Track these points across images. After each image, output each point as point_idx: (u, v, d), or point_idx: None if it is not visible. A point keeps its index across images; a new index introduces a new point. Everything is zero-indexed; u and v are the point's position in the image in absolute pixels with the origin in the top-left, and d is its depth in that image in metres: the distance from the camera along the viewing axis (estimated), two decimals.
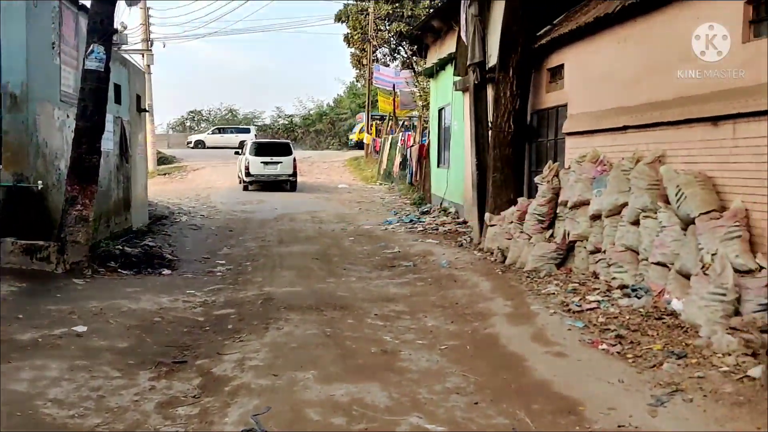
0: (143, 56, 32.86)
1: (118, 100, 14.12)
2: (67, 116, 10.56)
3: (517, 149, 11.46)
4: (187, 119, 64.17)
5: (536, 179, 10.28)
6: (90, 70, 9.20)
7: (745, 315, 5.98)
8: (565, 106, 10.58)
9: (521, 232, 10.23)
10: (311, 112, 60.17)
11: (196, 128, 63.84)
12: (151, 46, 33.02)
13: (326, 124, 56.43)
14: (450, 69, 16.37)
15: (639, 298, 7.11)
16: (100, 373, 5.34)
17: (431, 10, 23.64)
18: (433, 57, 18.51)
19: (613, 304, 7.11)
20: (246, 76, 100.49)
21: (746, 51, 6.69)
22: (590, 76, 9.81)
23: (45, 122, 9.89)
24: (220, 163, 35.72)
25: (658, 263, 7.35)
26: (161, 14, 72.26)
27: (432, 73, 18.70)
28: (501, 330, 6.66)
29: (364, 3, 41.24)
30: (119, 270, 9.82)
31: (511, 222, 10.75)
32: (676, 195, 7.16)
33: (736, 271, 6.18)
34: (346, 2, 42.97)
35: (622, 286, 7.68)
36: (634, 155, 8.31)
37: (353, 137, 48.89)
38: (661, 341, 5.87)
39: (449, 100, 16.58)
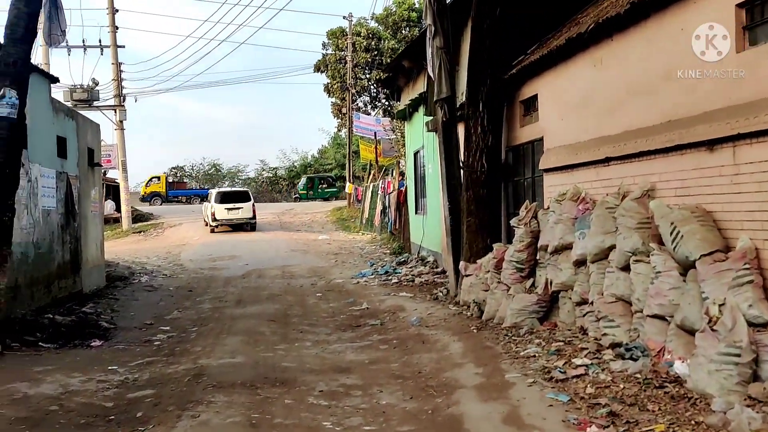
0: (116, 112, 32.08)
1: (62, 154, 13.05)
2: None
3: (492, 190, 10.39)
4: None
5: (512, 222, 9.17)
6: (0, 118, 8.12)
7: (767, 380, 4.80)
8: (541, 140, 9.55)
9: (499, 282, 9.07)
10: (295, 164, 59.50)
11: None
12: (124, 101, 32.21)
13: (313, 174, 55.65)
14: (423, 110, 15.44)
15: (635, 359, 5.92)
16: None
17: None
18: (406, 99, 17.61)
19: (604, 369, 5.91)
20: (229, 130, 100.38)
21: (742, 61, 5.67)
22: (566, 105, 8.81)
23: None
24: (200, 217, 34.60)
25: (654, 316, 6.19)
26: (133, 68, 71.49)
27: (405, 115, 17.78)
28: (467, 408, 5.42)
29: (342, 52, 40.85)
30: (40, 343, 8.56)
31: (488, 271, 9.60)
32: (671, 234, 6.05)
33: (750, 324, 5.03)
34: (324, 52, 42.66)
35: (614, 345, 6.49)
36: (619, 190, 7.24)
37: None
38: (665, 419, 4.66)
39: (423, 143, 15.60)
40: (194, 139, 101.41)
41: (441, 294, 11.32)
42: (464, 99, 10.78)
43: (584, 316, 7.44)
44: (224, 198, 29.70)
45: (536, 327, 7.97)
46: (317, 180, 51.90)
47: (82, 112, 27.03)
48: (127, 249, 25.10)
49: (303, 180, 52.80)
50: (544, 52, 9.05)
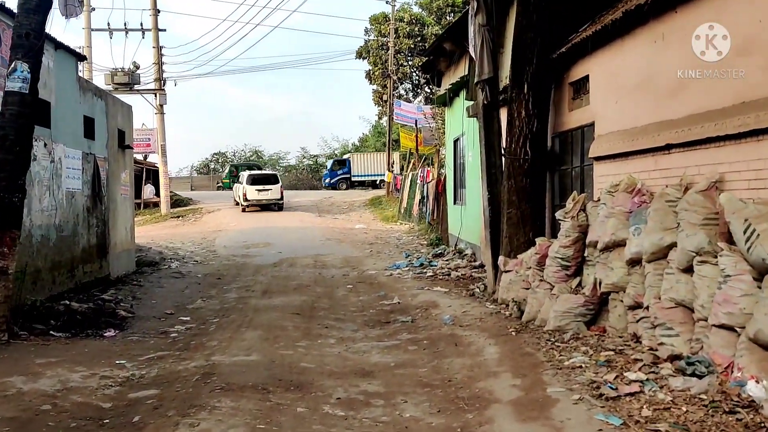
0: (156, 96, 31.95)
1: (89, 135, 12.68)
2: None
3: (536, 179, 9.60)
4: (211, 161, 63.67)
5: (558, 214, 8.36)
6: (11, 92, 7.64)
7: None
8: (591, 125, 8.72)
9: (541, 280, 8.30)
10: (336, 151, 59.09)
11: (221, 170, 63.23)
12: (164, 85, 32.04)
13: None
14: (464, 94, 14.65)
15: (699, 377, 5.12)
16: None
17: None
18: (447, 83, 16.83)
19: (662, 386, 5.12)
20: (271, 118, 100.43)
21: None
22: (622, 87, 7.95)
23: None
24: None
25: (721, 326, 5.37)
26: (173, 52, 71.47)
27: (445, 100, 16.99)
28: (502, 429, 4.70)
29: (384, 38, 40.07)
30: (51, 332, 8.12)
31: (529, 268, 8.84)
32: (745, 232, 5.22)
33: None
34: (366, 38, 41.97)
35: (673, 357, 5.69)
36: (681, 181, 6.40)
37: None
38: None
39: (463, 129, 14.82)
40: (236, 126, 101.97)
41: (478, 290, 10.58)
42: (508, 81, 9.99)
43: (638, 321, 6.63)
44: (255, 180, 32.36)
45: (582, 332, 7.19)
46: (242, 168, 51.21)
47: (122, 96, 27.00)
48: (163, 233, 24.98)
49: (227, 168, 51.77)
50: (597, 28, 8.20)
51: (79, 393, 5.77)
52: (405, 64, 40.61)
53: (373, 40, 41.32)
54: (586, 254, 7.92)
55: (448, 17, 40.30)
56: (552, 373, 5.76)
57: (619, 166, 7.82)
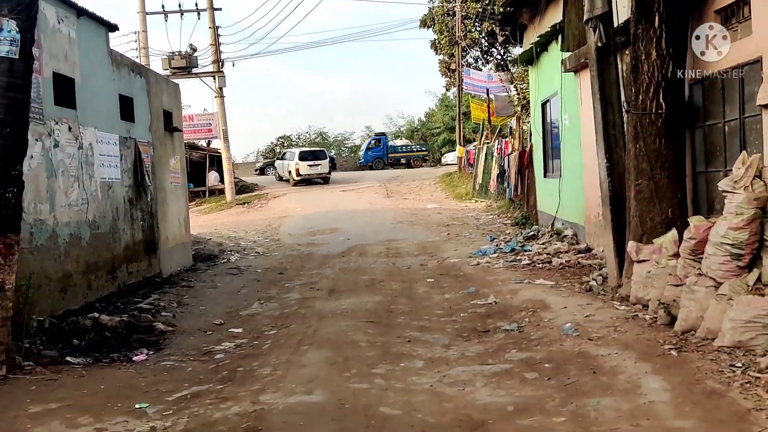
0: (215, 79, 30.67)
1: (128, 116, 11.12)
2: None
3: (674, 140, 7.37)
4: (276, 145, 62.58)
5: (722, 184, 6.11)
6: None
7: None
8: (756, 62, 6.42)
9: (699, 274, 6.12)
10: (402, 128, 57.01)
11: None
12: (222, 67, 30.67)
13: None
14: (555, 48, 12.39)
15: None
16: None
17: None
18: (531, 37, 14.52)
19: None
20: (334, 98, 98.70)
21: None
22: None
23: None
24: (304, 188, 33.20)
25: None
26: (229, 31, 70.30)
27: (531, 57, 14.66)
28: None
29: (450, 4, 37.51)
30: (68, 359, 6.52)
31: (673, 256, 6.68)
32: None
33: None
34: (430, 5, 39.49)
35: None
36: None
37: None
38: None
39: (556, 88, 12.56)
40: (300, 108, 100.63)
41: (595, 283, 8.43)
42: (630, 15, 7.73)
43: None
44: (306, 156, 35.33)
45: None
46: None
47: (180, 80, 25.59)
48: (227, 221, 23.80)
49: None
50: None
51: None
52: (473, 30, 37.93)
53: (438, 6, 38.77)
54: (766, 238, 5.71)
55: None
56: None
57: None
